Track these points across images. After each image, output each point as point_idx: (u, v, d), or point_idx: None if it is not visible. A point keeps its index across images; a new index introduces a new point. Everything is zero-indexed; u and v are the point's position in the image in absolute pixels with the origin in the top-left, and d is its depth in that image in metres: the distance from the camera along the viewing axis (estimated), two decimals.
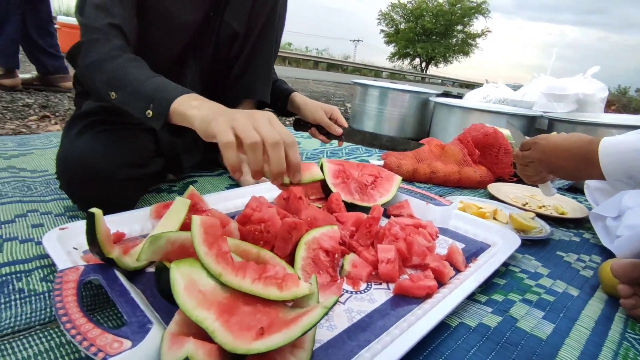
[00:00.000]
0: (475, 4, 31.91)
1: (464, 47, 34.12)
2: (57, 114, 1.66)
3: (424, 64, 35.51)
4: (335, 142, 1.25)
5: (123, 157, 0.75)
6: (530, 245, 0.87)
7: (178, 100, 0.63)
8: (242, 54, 1.01)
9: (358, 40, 46.19)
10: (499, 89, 2.25)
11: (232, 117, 0.55)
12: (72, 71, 0.98)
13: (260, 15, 0.98)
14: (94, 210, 0.47)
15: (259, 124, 0.53)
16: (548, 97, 1.93)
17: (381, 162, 1.41)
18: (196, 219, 0.46)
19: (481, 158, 1.37)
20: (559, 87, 1.94)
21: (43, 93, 2.13)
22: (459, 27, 33.67)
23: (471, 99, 2.25)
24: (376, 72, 22.13)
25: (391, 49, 35.55)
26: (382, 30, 34.93)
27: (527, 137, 0.95)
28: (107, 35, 0.73)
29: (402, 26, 33.90)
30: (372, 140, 1.00)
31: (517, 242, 0.75)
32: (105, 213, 0.71)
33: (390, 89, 2.06)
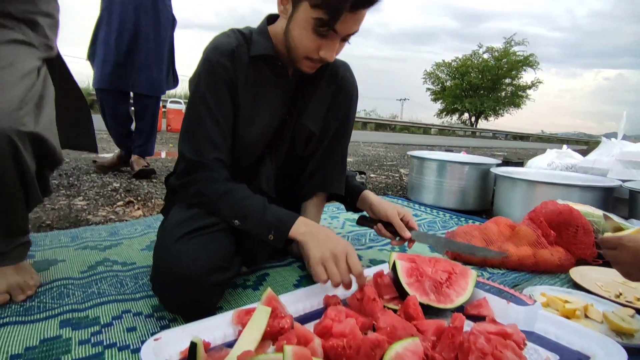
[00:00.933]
0: (522, 57, 31.80)
1: (514, 100, 33.53)
2: (139, 197, 1.84)
3: (473, 118, 35.18)
4: None
5: (211, 262, 0.81)
6: (636, 354, 0.77)
7: (293, 228, 0.86)
8: (317, 152, 1.09)
9: (404, 99, 47.34)
10: (565, 155, 2.15)
11: (323, 254, 0.81)
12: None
13: (336, 118, 1.07)
14: (195, 340, 0.51)
15: (339, 262, 0.80)
16: (624, 164, 1.81)
17: None
18: (288, 351, 0.48)
19: (558, 238, 1.28)
20: (635, 153, 1.81)
21: (126, 176, 2.39)
22: (507, 81, 33.43)
23: (534, 167, 2.17)
24: (425, 129, 22.23)
25: (438, 105, 35.84)
26: (428, 89, 35.58)
27: (617, 219, 0.88)
28: (215, 171, 0.92)
29: (448, 83, 34.35)
30: (448, 244, 0.99)
31: (622, 356, 0.67)
32: (189, 317, 0.76)
33: (448, 161, 2.05)
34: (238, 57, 0.96)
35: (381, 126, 18.07)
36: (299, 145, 1.09)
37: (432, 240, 1.06)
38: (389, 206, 1.12)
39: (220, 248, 0.86)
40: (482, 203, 2.06)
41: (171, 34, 2.39)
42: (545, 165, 2.12)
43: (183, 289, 0.77)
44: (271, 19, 1.04)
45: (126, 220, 1.49)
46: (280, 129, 1.07)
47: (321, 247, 0.82)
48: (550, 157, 2.16)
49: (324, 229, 0.89)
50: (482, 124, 35.56)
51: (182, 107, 7.04)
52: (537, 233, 1.26)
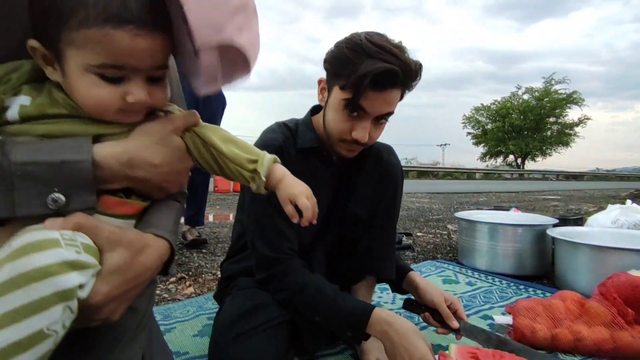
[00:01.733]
0: (565, 95, 30.88)
1: (562, 138, 32.15)
2: (190, 272, 1.90)
3: (519, 160, 33.85)
4: None
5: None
6: None
7: (370, 325, 0.85)
8: (365, 236, 1.09)
9: (445, 144, 46.88)
10: (630, 211, 1.98)
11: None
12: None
13: (383, 202, 1.08)
14: None
15: None
16: None
17: (507, 319, 1.27)
18: None
19: (637, 316, 1.15)
20: None
21: (177, 246, 2.49)
22: (552, 120, 32.32)
23: (597, 225, 2.01)
24: (469, 174, 21.66)
25: (480, 149, 35.03)
26: (468, 133, 35.12)
27: None
28: (290, 262, 0.95)
29: (489, 126, 33.76)
30: (500, 345, 0.92)
31: None
32: None
33: (499, 224, 1.95)
34: (286, 152, 1.01)
35: (423, 173, 17.84)
36: (348, 229, 1.10)
37: (482, 337, 0.99)
38: (436, 292, 1.08)
39: (277, 348, 0.86)
40: (541, 267, 1.92)
41: (221, 115, 2.59)
42: (610, 223, 1.96)
43: None
44: (315, 109, 1.11)
45: (179, 300, 1.54)
46: (328, 214, 1.09)
47: (404, 350, 0.80)
48: (614, 213, 2.00)
49: (402, 324, 0.84)
50: (530, 165, 34.07)
51: None
52: (611, 311, 1.14)
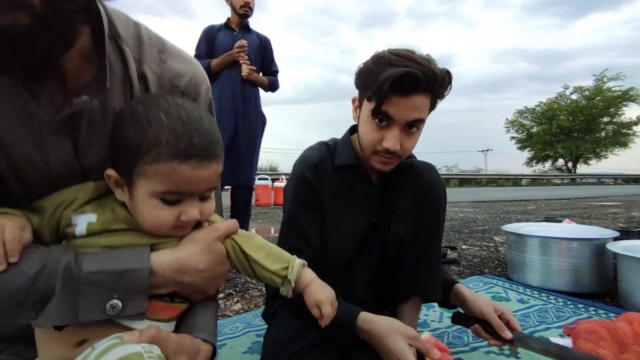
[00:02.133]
0: (619, 93, 28.77)
1: (618, 138, 29.86)
2: (237, 288, 1.96)
3: (570, 164, 31.84)
4: None
5: None
6: None
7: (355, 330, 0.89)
8: (409, 256, 1.08)
9: (487, 150, 45.13)
10: None
11: None
12: None
13: (426, 223, 1.06)
14: None
15: None
16: None
17: (566, 342, 1.20)
18: None
19: None
20: None
21: None
22: (605, 119, 30.17)
23: None
24: (514, 180, 20.66)
25: (526, 153, 33.33)
26: (512, 137, 33.60)
27: None
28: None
29: (534, 129, 32.11)
30: (561, 354, 0.88)
31: None
32: None
33: (552, 238, 1.85)
34: (322, 169, 1.05)
35: (465, 181, 17.25)
36: (391, 250, 1.09)
37: (539, 347, 0.93)
38: (484, 302, 1.04)
39: None
40: (602, 283, 1.79)
41: (261, 132, 2.68)
42: None
43: None
44: (354, 129, 1.13)
45: (228, 316, 1.59)
46: (368, 234, 1.09)
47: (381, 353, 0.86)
48: None
49: (384, 325, 0.88)
50: (582, 168, 31.95)
51: (269, 182, 7.57)
52: None
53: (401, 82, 0.86)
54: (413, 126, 0.94)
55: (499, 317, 1.00)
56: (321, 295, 0.67)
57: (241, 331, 1.40)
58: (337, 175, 1.07)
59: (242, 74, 2.42)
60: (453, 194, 11.34)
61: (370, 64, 0.93)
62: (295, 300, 0.99)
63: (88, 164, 0.63)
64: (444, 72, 0.91)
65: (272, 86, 2.65)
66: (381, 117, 0.91)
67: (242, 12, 2.47)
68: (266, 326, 1.40)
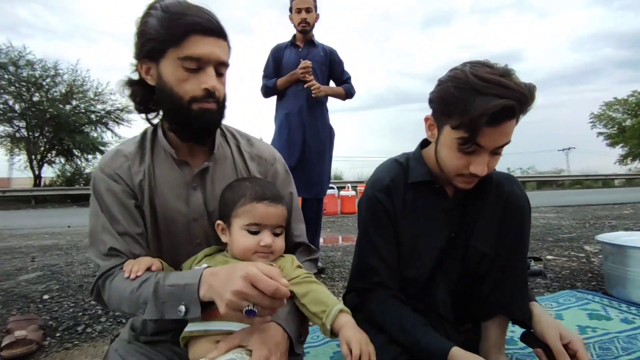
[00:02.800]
0: None
1: None
2: None
3: None
4: None
5: None
6: None
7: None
8: (492, 272, 1.05)
9: (569, 149, 41.00)
10: None
11: None
12: None
13: (509, 237, 1.03)
14: None
15: None
16: None
17: None
18: None
19: None
20: None
21: None
22: None
23: None
24: (605, 181, 18.51)
25: (618, 150, 29.65)
26: (600, 133, 30.13)
27: None
28: (372, 295, 1.08)
29: (627, 123, 28.51)
30: None
31: None
32: None
33: None
34: (394, 189, 1.07)
35: (544, 183, 15.82)
36: (472, 265, 1.07)
37: None
38: (550, 324, 0.98)
39: None
40: None
41: (330, 145, 2.74)
42: None
43: None
44: (425, 142, 1.12)
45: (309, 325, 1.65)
46: (448, 249, 1.08)
47: None
48: None
49: None
50: None
51: (335, 191, 7.66)
52: None
53: (497, 116, 0.84)
54: (500, 149, 0.93)
55: (566, 345, 0.93)
56: (352, 335, 0.75)
57: (321, 340, 1.45)
58: (412, 192, 1.07)
59: (312, 95, 2.51)
60: (531, 197, 10.39)
61: (453, 89, 0.89)
62: (377, 316, 1.03)
63: (211, 209, 0.95)
64: (531, 89, 0.87)
65: (349, 93, 2.72)
66: (470, 146, 0.90)
67: (301, 29, 2.58)
68: None
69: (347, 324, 0.77)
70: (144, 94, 0.90)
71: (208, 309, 0.75)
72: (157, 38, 0.82)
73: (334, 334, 0.78)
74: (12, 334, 1.48)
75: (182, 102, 0.85)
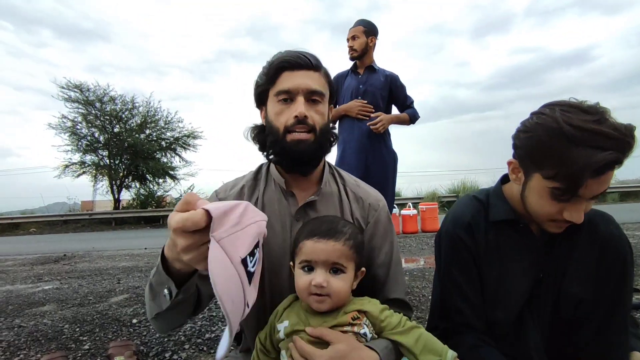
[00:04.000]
0: None
1: None
2: None
3: None
4: None
5: None
6: None
7: None
8: (592, 320, 0.96)
9: None
10: None
11: None
12: None
13: (609, 282, 0.95)
14: None
15: None
16: None
17: None
18: None
19: None
20: None
21: None
22: None
23: None
24: None
25: None
26: None
27: None
28: (460, 338, 1.00)
29: None
30: None
31: None
32: None
33: None
34: (476, 227, 1.02)
35: (629, 195, 14.09)
36: (567, 311, 0.99)
37: None
38: None
39: None
40: None
41: (394, 169, 2.71)
42: None
43: None
44: (505, 178, 1.07)
45: None
46: (536, 292, 1.01)
47: None
48: None
49: None
50: None
51: (396, 210, 7.44)
52: None
53: (600, 170, 0.80)
54: (597, 196, 0.86)
55: None
56: None
57: None
58: (493, 231, 1.02)
59: (375, 131, 2.55)
60: (614, 211, 9.33)
61: (545, 138, 0.84)
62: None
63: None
64: (631, 132, 0.80)
65: (413, 118, 2.72)
66: (568, 197, 0.85)
67: (350, 56, 2.67)
68: None
69: None
70: (263, 136, 1.00)
71: None
72: (261, 84, 0.96)
73: None
74: (112, 359, 1.63)
75: (278, 134, 0.92)
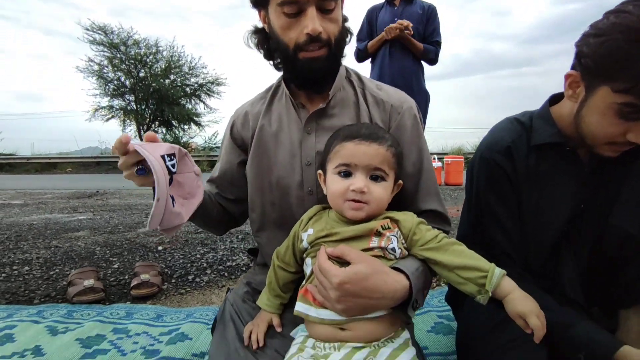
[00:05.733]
0: None
1: None
2: None
3: None
4: None
5: None
6: None
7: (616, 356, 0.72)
8: (638, 256, 0.89)
9: None
10: None
11: None
12: None
13: None
14: None
15: None
16: None
17: None
18: None
19: None
20: None
21: None
22: None
23: None
24: None
25: None
26: None
27: None
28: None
29: None
30: None
31: None
32: None
33: None
34: (516, 151, 0.93)
35: None
36: (610, 246, 0.91)
37: None
38: None
39: None
40: None
41: (426, 108, 2.60)
42: None
43: None
44: (554, 99, 0.96)
45: None
46: (576, 223, 0.93)
47: None
48: None
49: None
50: None
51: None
52: None
53: None
54: None
55: None
56: (525, 307, 0.65)
57: (420, 310, 1.41)
58: (535, 155, 0.93)
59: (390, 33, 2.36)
60: None
61: (623, 41, 0.71)
62: None
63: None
64: None
65: (427, 53, 2.46)
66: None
67: None
68: (446, 307, 1.38)
69: (514, 292, 0.66)
70: (267, 42, 0.89)
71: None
72: None
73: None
74: (139, 276, 1.70)
75: (288, 51, 0.82)
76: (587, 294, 0.97)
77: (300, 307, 0.73)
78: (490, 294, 0.66)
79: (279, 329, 0.82)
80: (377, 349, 0.67)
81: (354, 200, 0.71)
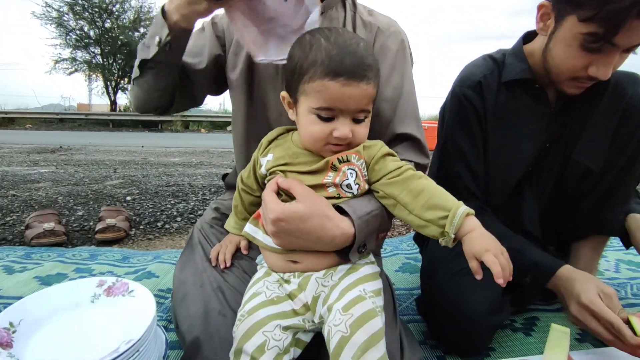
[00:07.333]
0: None
1: None
2: None
3: None
4: None
5: (489, 305, 0.79)
6: None
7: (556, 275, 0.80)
8: (595, 191, 0.92)
9: None
10: None
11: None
12: None
13: (623, 153, 0.88)
14: None
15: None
16: None
17: None
18: None
19: None
20: None
21: None
22: None
23: None
24: None
25: None
26: None
27: None
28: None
29: None
30: None
31: None
32: (463, 355, 0.78)
33: None
34: (487, 86, 0.93)
35: None
36: (570, 182, 0.94)
37: None
38: None
39: (494, 289, 0.82)
40: None
41: None
42: None
43: (464, 330, 0.78)
44: (527, 37, 0.95)
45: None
46: (540, 161, 0.95)
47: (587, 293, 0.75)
48: None
49: (586, 281, 0.78)
50: None
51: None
52: None
53: None
54: (634, 48, 0.75)
55: None
56: (481, 245, 0.57)
57: (389, 253, 1.43)
58: (505, 92, 0.92)
59: None
60: None
61: None
62: None
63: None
64: None
65: None
66: (601, 44, 0.72)
67: None
68: (414, 250, 1.41)
69: (475, 231, 0.57)
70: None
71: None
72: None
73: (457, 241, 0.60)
74: (104, 221, 1.64)
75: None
76: (545, 232, 1.01)
77: (249, 228, 0.71)
78: (453, 236, 0.58)
79: (245, 252, 0.82)
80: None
81: (335, 144, 0.65)
